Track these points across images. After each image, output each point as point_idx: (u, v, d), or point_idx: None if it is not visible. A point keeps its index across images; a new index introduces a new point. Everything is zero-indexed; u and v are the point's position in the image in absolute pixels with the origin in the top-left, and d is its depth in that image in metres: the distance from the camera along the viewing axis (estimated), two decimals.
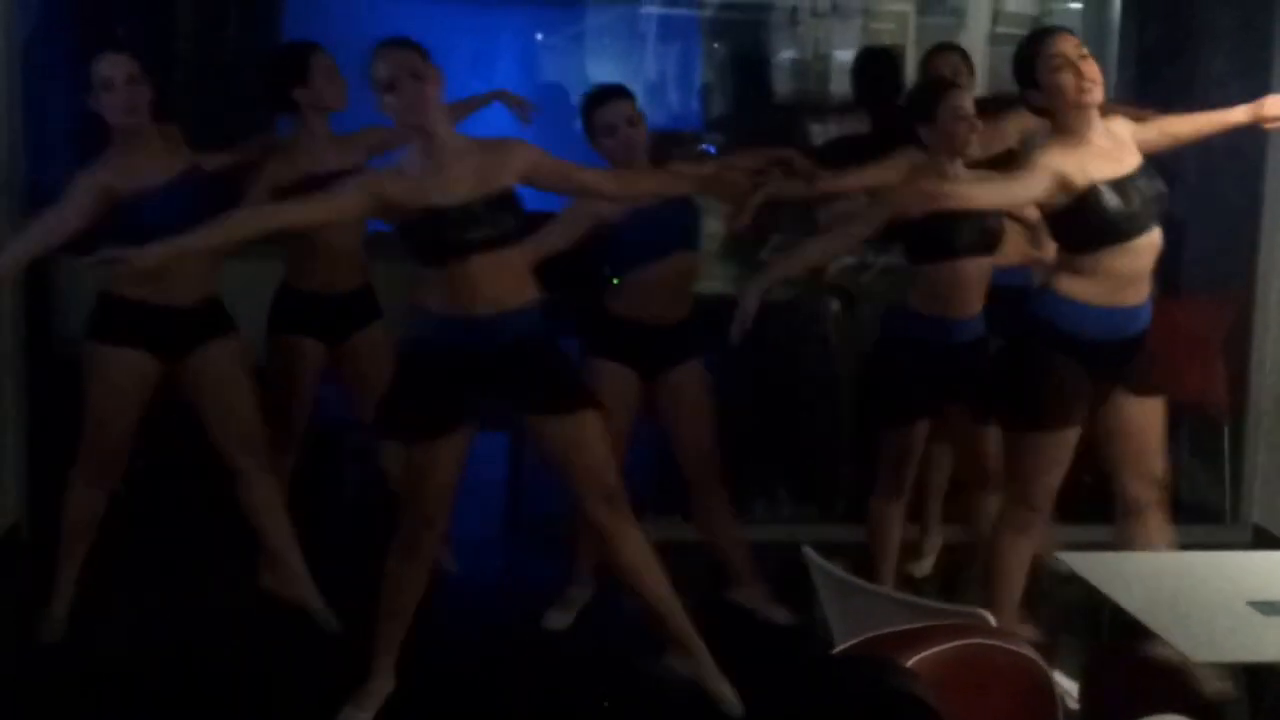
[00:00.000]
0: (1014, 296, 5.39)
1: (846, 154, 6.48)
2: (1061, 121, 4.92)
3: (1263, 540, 6.99)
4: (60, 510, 5.82)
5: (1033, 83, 4.95)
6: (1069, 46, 4.90)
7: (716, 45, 10.01)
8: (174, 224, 4.89)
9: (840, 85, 8.66)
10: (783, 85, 9.37)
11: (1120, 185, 4.86)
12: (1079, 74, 4.85)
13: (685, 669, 5.20)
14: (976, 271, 5.49)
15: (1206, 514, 7.23)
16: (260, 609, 6.00)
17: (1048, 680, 3.06)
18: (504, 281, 4.80)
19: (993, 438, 5.50)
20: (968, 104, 5.43)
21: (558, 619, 6.03)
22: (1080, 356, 4.97)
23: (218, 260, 5.57)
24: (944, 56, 6.35)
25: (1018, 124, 5.91)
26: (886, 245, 7.10)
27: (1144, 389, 5.09)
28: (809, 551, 3.99)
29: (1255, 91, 6.74)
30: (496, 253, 4.77)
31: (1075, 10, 8.70)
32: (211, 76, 9.93)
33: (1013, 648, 3.11)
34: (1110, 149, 4.93)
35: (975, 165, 5.58)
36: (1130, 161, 4.93)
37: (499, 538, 7.29)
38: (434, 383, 4.89)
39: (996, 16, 8.64)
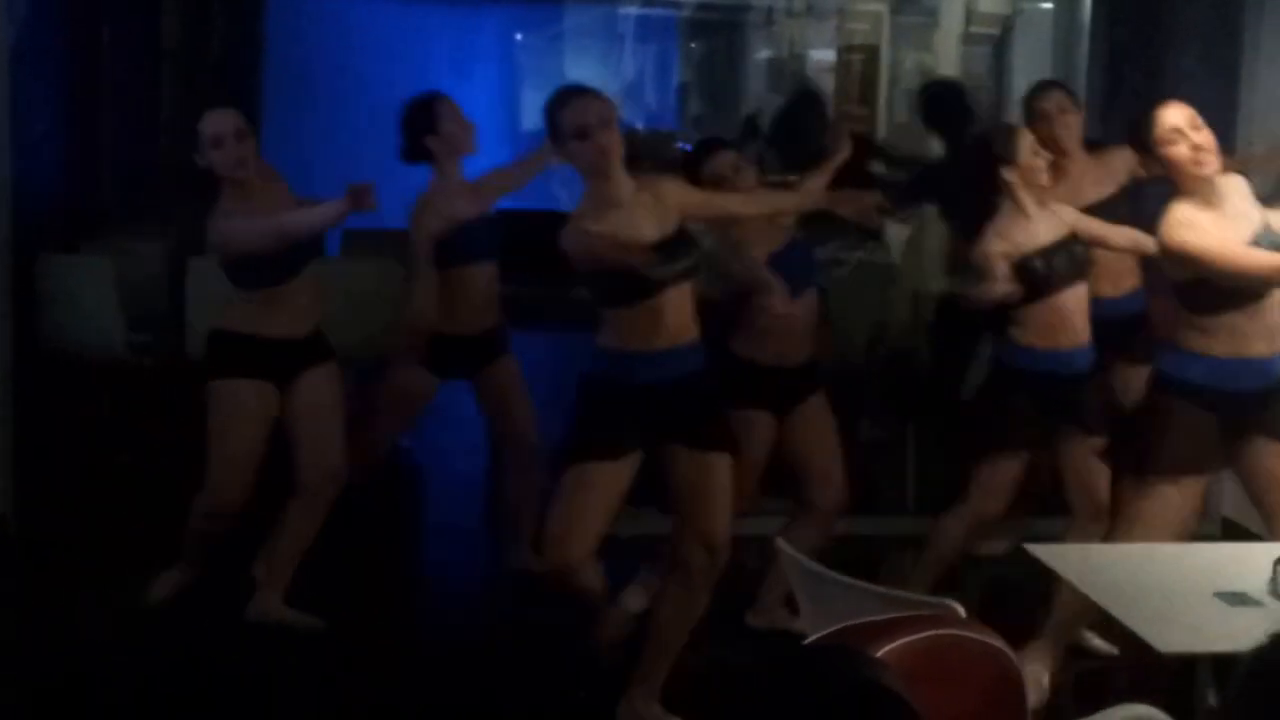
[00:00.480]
0: (1127, 323, 5.57)
1: (931, 185, 6.68)
2: (1186, 188, 4.98)
3: (1232, 533, 7.04)
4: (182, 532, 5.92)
5: (1147, 148, 5.05)
6: (1181, 119, 4.95)
7: (693, 45, 10.06)
8: (285, 269, 5.53)
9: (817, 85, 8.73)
10: (759, 84, 9.43)
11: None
12: (1194, 146, 4.91)
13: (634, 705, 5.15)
14: (1075, 301, 5.50)
15: None
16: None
17: (1017, 670, 3.10)
18: (682, 316, 4.87)
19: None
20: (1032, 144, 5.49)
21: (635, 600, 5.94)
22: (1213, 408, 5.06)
23: (319, 293, 5.82)
24: (1048, 95, 6.10)
25: (1125, 162, 5.91)
26: (861, 242, 7.20)
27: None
28: (781, 543, 4.05)
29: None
30: (679, 288, 4.84)
31: (1047, 10, 8.75)
32: (197, 80, 9.97)
33: (983, 638, 3.15)
34: (1243, 210, 4.98)
35: (1087, 206, 5.67)
36: (1255, 219, 4.97)
37: (479, 530, 7.31)
38: (611, 413, 4.91)
39: (969, 16, 8.69)
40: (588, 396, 4.98)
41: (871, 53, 8.90)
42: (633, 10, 10.15)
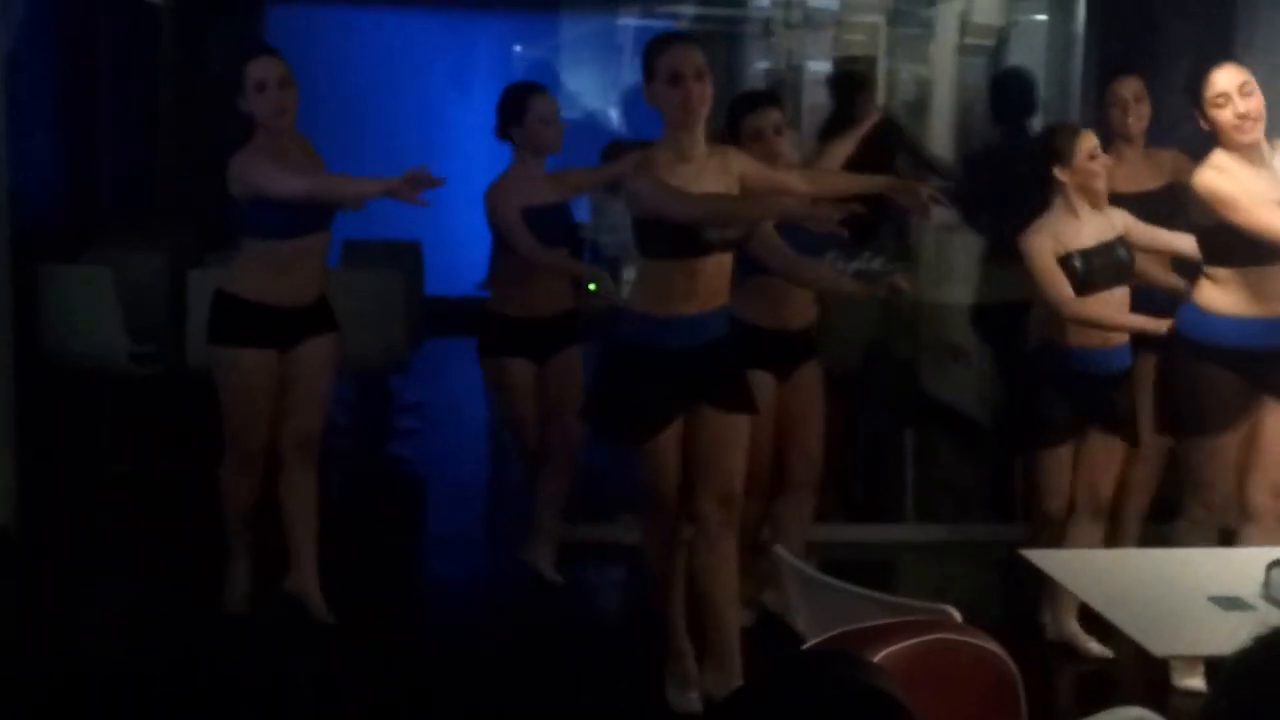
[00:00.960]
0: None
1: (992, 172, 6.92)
2: (1229, 148, 5.10)
3: (1229, 538, 7.05)
4: (219, 500, 5.94)
5: (1198, 104, 5.15)
6: (1231, 84, 5.06)
7: None
8: (304, 228, 5.55)
9: (813, 95, 8.74)
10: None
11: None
12: (1239, 114, 5.03)
13: (709, 683, 5.25)
14: (1113, 304, 5.51)
15: (1173, 512, 7.29)
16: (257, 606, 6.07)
17: (1013, 674, 3.12)
18: (720, 281, 5.01)
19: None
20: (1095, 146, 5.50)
21: None
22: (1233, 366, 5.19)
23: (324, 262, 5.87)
24: (1127, 82, 6.12)
25: (1174, 162, 5.94)
26: (856, 250, 7.23)
27: None
28: (779, 549, 4.08)
29: None
30: (721, 255, 4.97)
31: (1041, 22, 8.78)
32: (195, 89, 10.01)
33: (979, 643, 3.17)
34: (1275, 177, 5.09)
35: (1127, 199, 5.68)
36: None
37: (481, 536, 7.34)
38: (652, 382, 5.03)
39: (964, 28, 8.72)
40: (618, 362, 5.17)
41: (869, 64, 8.93)
42: (632, 21, 10.15)
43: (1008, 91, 7.47)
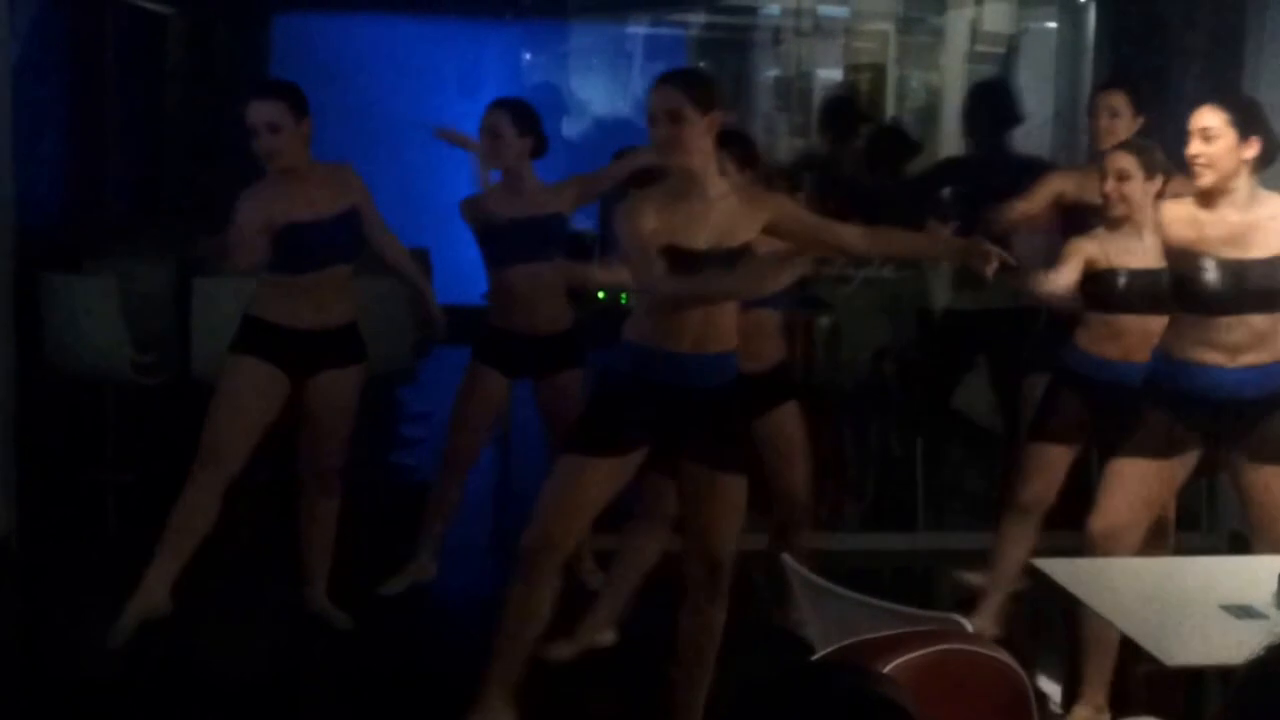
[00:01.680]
0: None
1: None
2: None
3: (1239, 546, 7.04)
4: (175, 506, 5.77)
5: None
6: (1198, 124, 4.90)
7: (702, 64, 10.08)
8: (326, 255, 5.65)
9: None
10: (767, 103, 9.46)
11: (1227, 264, 4.88)
12: (1190, 154, 4.90)
13: None
14: (1142, 327, 5.44)
15: (1184, 521, 7.28)
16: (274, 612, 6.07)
17: (1025, 685, 3.10)
18: (710, 326, 4.70)
19: None
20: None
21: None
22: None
23: (351, 287, 5.87)
24: (1105, 95, 6.19)
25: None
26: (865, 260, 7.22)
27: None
28: (788, 559, 4.06)
29: None
30: (721, 304, 4.71)
31: (1051, 29, 8.77)
32: (202, 98, 10.01)
33: (990, 653, 3.15)
34: (1238, 225, 4.91)
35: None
36: (1256, 242, 4.91)
37: (487, 548, 7.32)
38: (620, 408, 4.81)
39: (974, 35, 8.71)
40: (601, 387, 4.96)
41: (878, 71, 8.93)
42: (641, 29, 10.17)
43: (984, 104, 7.38)
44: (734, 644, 5.01)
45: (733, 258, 4.66)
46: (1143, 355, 5.42)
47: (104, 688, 5.58)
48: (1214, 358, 4.95)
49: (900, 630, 3.19)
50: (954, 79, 8.60)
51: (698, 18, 10.03)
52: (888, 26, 8.96)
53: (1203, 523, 7.35)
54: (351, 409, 5.94)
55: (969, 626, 3.55)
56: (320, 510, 6.00)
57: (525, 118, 6.15)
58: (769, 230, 4.78)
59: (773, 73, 9.60)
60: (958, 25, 8.77)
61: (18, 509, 6.95)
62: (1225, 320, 4.91)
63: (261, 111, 5.59)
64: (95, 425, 7.36)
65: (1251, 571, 4.20)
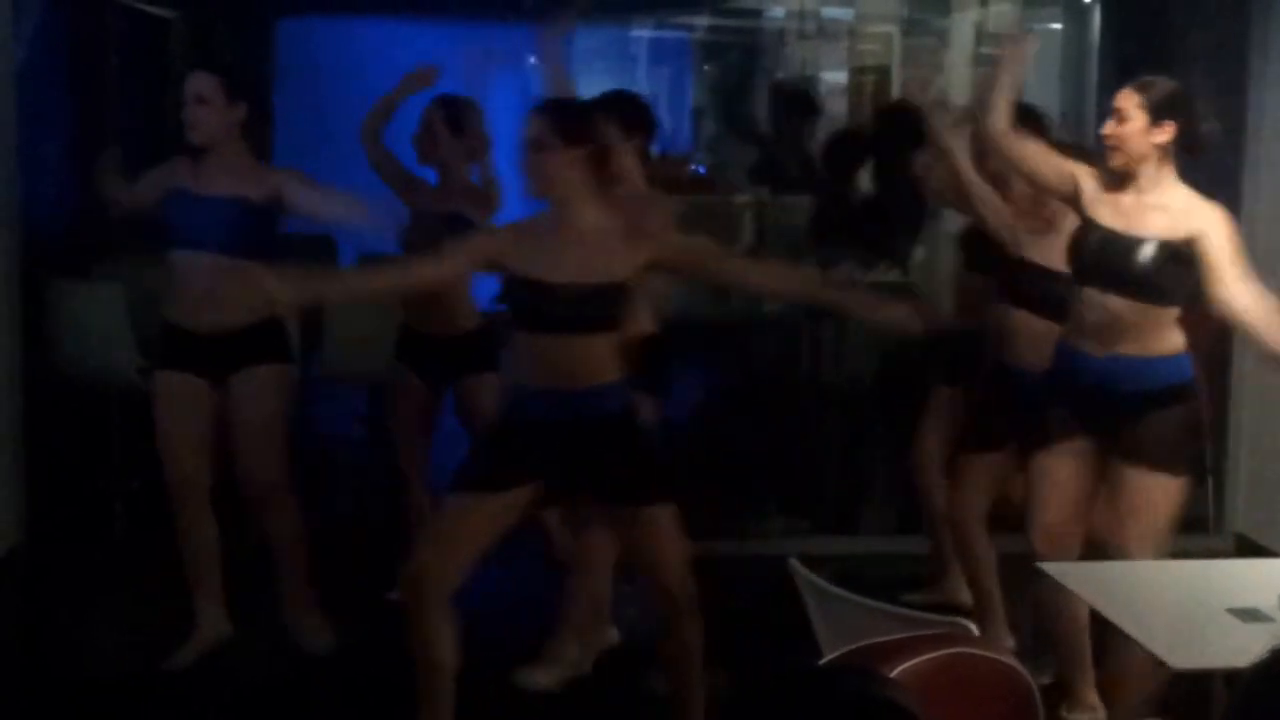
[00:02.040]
0: None
1: None
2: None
3: (1246, 549, 7.04)
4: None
5: None
6: (1116, 104, 4.89)
7: (707, 67, 10.09)
8: (198, 235, 5.45)
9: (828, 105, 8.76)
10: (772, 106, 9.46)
11: (1111, 238, 4.84)
12: (1103, 135, 4.90)
13: None
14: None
15: (1190, 523, 7.26)
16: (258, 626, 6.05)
17: (1031, 689, 3.11)
18: (586, 363, 4.59)
19: None
20: None
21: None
22: None
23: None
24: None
25: None
26: (873, 260, 7.21)
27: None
28: (794, 564, 4.06)
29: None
30: (585, 337, 4.59)
31: (1056, 30, 8.76)
32: None
33: (996, 657, 3.16)
34: (1131, 204, 4.88)
35: None
36: (1137, 222, 4.87)
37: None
38: (498, 445, 4.75)
39: (979, 37, 8.71)
40: (487, 425, 4.95)
41: (883, 74, 8.93)
42: (646, 33, 10.18)
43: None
44: (735, 646, 5.02)
45: (600, 294, 4.56)
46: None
47: (114, 693, 5.56)
48: (1083, 343, 4.92)
49: (907, 634, 3.19)
50: (959, 81, 8.59)
51: (702, 21, 10.04)
52: (892, 29, 8.96)
53: (1209, 525, 7.34)
54: (278, 410, 5.67)
55: (975, 630, 3.56)
56: (276, 531, 5.72)
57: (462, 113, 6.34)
58: (659, 267, 4.72)
59: (778, 75, 9.61)
60: (962, 27, 8.77)
61: (26, 514, 6.96)
62: (1087, 295, 4.88)
63: (195, 82, 5.56)
64: (101, 431, 7.36)
65: (1258, 575, 4.22)
